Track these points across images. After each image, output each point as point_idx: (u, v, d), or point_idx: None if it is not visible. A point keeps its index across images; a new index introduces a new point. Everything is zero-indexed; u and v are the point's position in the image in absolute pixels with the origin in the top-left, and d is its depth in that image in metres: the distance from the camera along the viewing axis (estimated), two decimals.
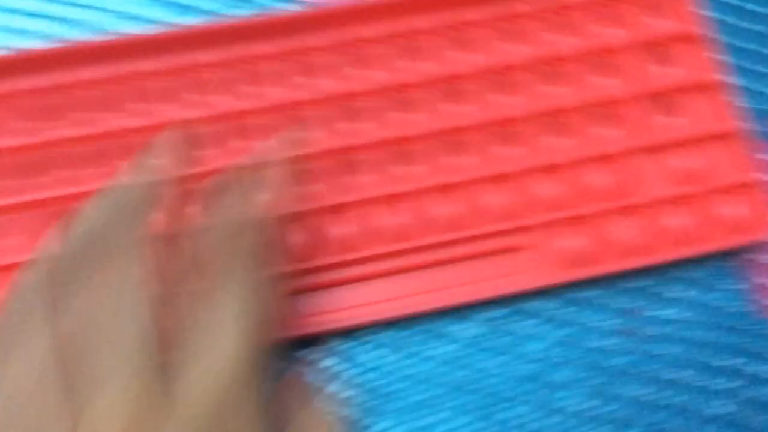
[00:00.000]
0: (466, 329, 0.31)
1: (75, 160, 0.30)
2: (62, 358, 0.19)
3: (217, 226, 0.22)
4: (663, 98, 0.33)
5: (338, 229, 0.30)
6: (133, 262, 0.20)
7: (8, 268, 0.29)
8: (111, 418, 0.18)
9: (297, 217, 0.30)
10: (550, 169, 0.32)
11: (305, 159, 0.30)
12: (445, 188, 0.31)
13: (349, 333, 0.30)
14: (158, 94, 0.31)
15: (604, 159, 0.32)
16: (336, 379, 0.29)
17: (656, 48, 0.33)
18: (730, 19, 0.36)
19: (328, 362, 0.30)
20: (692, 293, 0.32)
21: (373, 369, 0.30)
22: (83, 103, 0.31)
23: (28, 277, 0.21)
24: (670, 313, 0.32)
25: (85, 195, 0.26)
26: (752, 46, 0.36)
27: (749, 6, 0.36)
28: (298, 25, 0.32)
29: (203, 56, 0.31)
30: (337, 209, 0.30)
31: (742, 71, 0.35)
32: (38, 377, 0.19)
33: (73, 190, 0.30)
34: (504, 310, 0.31)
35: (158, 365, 0.20)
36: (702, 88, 0.33)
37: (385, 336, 0.30)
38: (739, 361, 0.31)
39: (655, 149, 0.32)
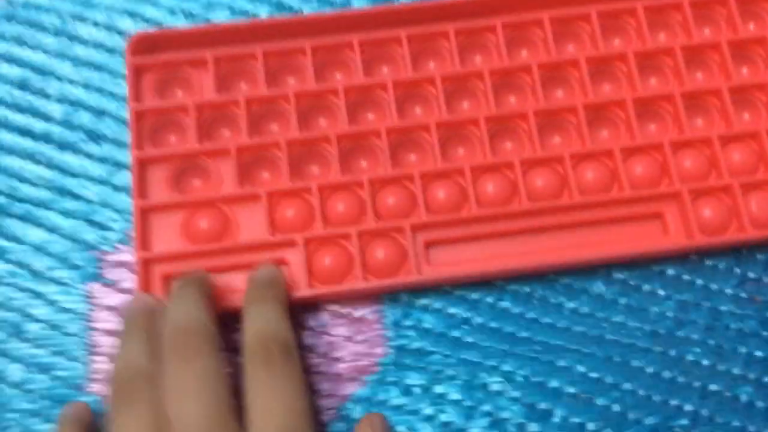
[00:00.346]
0: (598, 287, 0.34)
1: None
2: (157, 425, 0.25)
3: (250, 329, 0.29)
4: None
5: (481, 188, 0.34)
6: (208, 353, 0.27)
7: None
8: None
9: (443, 174, 0.34)
10: (690, 144, 0.35)
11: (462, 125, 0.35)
12: (591, 156, 0.35)
13: (482, 283, 0.34)
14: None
15: (744, 138, 0.35)
16: (464, 324, 0.33)
17: None
18: None
19: (452, 310, 0.34)
20: None
21: (505, 317, 0.34)
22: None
23: (134, 356, 0.28)
24: None
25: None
26: None
27: None
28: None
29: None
30: (484, 170, 0.34)
31: None
32: None
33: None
34: (634, 272, 0.34)
35: None
36: None
37: (524, 288, 0.34)
38: None
39: None
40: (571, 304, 0.34)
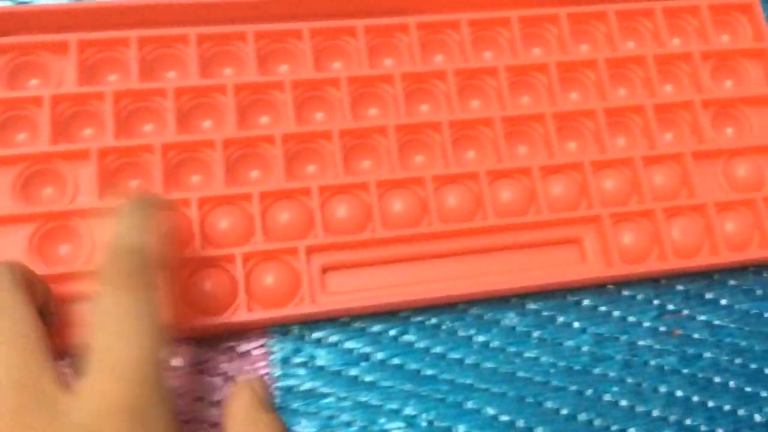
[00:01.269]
0: (510, 319, 0.31)
1: None
2: None
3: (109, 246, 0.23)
4: (729, 108, 0.34)
5: (387, 206, 0.30)
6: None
7: None
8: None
9: (344, 189, 0.30)
10: (610, 164, 0.32)
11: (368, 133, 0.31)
12: (507, 174, 0.31)
13: (385, 314, 0.30)
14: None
15: (665, 160, 0.32)
16: (363, 360, 0.30)
17: (724, 60, 0.34)
18: None
19: (351, 344, 0.30)
20: (739, 300, 0.33)
21: (409, 352, 0.30)
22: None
23: None
24: (714, 317, 0.32)
25: None
26: None
27: None
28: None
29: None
30: (391, 185, 0.31)
31: None
32: None
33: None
34: (549, 302, 0.31)
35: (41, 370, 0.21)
36: (767, 101, 0.34)
37: (430, 319, 0.31)
38: None
39: (716, 155, 0.33)
40: (481, 338, 0.31)
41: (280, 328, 0.29)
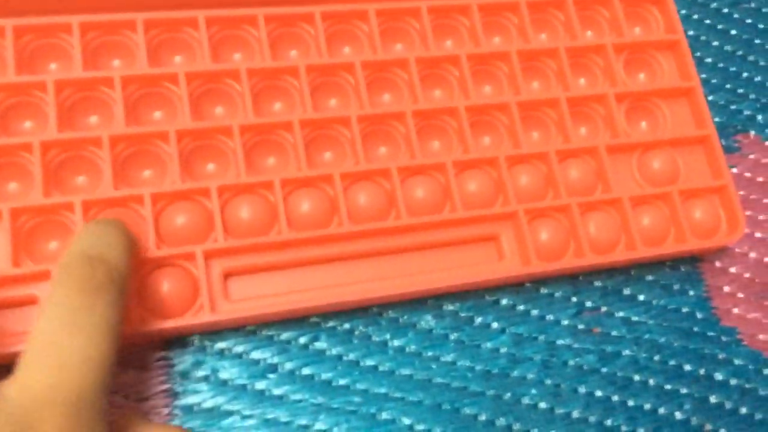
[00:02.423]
0: (427, 321, 0.30)
1: None
2: None
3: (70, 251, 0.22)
4: (643, 101, 0.33)
5: (294, 206, 0.29)
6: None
7: None
8: None
9: (247, 189, 0.28)
10: (525, 159, 0.31)
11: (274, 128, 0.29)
12: (420, 170, 0.30)
13: (294, 320, 0.29)
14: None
15: (580, 154, 0.32)
16: (271, 371, 0.28)
17: (637, 53, 0.34)
18: (703, 36, 0.37)
19: (258, 354, 0.28)
20: (657, 296, 0.32)
21: (321, 360, 0.28)
22: None
23: None
24: (632, 314, 0.32)
25: None
26: (721, 64, 0.37)
27: (721, 26, 0.37)
28: None
29: None
30: (298, 184, 0.29)
31: (710, 86, 0.36)
32: None
33: None
34: (467, 303, 0.30)
35: None
36: (680, 93, 0.34)
37: (343, 324, 0.29)
38: (695, 367, 0.31)
39: (631, 148, 0.33)
40: (396, 342, 0.29)
41: (180, 340, 0.27)
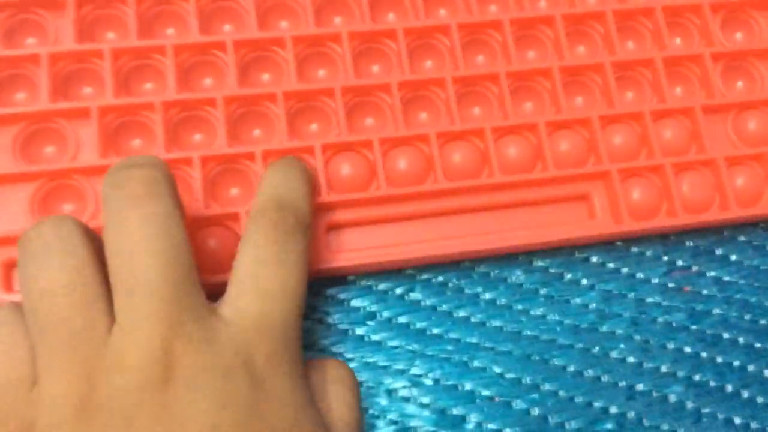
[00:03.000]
0: (517, 276, 0.31)
1: None
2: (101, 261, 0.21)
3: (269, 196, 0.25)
4: (739, 61, 0.33)
5: (392, 163, 0.30)
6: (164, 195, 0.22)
7: None
8: (149, 321, 0.20)
9: (348, 147, 0.29)
10: (619, 119, 0.31)
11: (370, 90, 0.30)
12: (513, 130, 0.31)
13: (391, 272, 0.30)
14: None
15: (675, 114, 0.32)
16: (370, 318, 0.29)
17: (735, 12, 0.34)
18: None
19: (358, 302, 0.30)
20: (749, 256, 0.32)
21: (416, 310, 0.30)
22: None
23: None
24: (723, 273, 0.32)
25: None
26: None
27: None
28: None
29: None
30: (396, 143, 0.30)
31: None
32: (78, 274, 0.20)
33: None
34: (557, 259, 0.31)
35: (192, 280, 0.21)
36: None
37: (437, 277, 0.30)
38: None
39: (726, 109, 0.33)
40: (488, 295, 0.30)
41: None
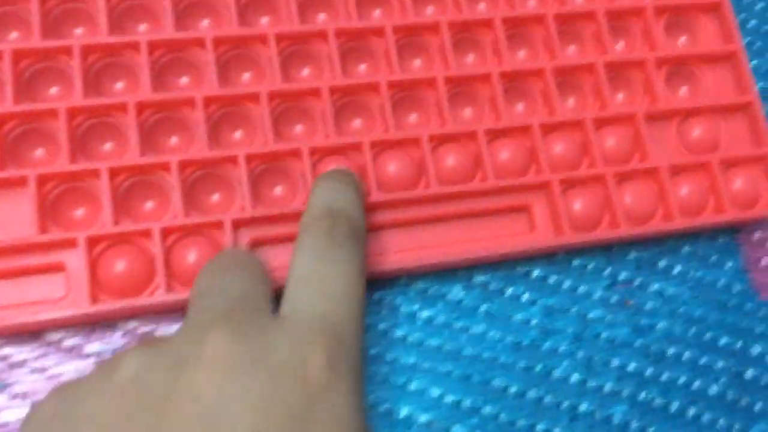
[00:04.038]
0: (457, 292, 0.29)
1: None
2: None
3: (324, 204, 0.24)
4: (683, 66, 0.32)
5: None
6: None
7: None
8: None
9: (275, 156, 0.28)
10: (560, 127, 0.30)
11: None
12: (451, 138, 0.29)
13: None
14: None
15: (617, 121, 0.31)
16: None
17: (678, 15, 0.33)
18: None
19: None
20: (693, 267, 0.31)
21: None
22: None
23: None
24: (667, 286, 0.31)
25: None
26: (765, 27, 0.35)
27: None
28: None
29: None
30: (331, 151, 0.28)
31: (753, 51, 0.35)
32: None
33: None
34: (498, 274, 0.30)
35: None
36: (723, 58, 0.33)
37: (372, 294, 0.29)
38: (731, 340, 0.30)
39: (670, 115, 0.32)
40: (426, 313, 0.29)
41: None
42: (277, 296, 0.22)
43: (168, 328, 0.26)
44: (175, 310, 0.26)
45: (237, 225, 0.26)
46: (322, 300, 0.21)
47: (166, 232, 0.26)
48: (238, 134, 0.28)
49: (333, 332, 0.20)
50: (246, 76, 0.29)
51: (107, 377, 0.18)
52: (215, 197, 0.27)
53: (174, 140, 0.28)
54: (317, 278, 0.21)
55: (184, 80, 0.28)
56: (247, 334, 0.19)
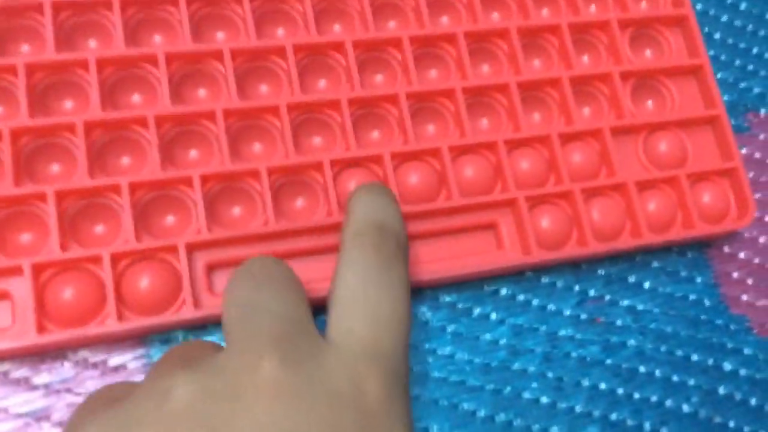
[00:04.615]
0: (423, 313, 0.28)
1: None
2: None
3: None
4: (649, 79, 0.32)
5: (283, 200, 0.27)
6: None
7: None
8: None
9: (232, 177, 0.27)
10: (526, 143, 0.30)
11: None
12: (415, 156, 0.28)
13: None
14: None
15: (584, 136, 0.30)
16: None
17: (643, 29, 0.32)
18: (712, 11, 0.35)
19: None
20: (663, 283, 0.31)
21: None
22: None
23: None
24: (637, 302, 0.30)
25: None
26: (731, 40, 0.35)
27: (730, 0, 0.36)
28: None
29: None
30: (286, 171, 0.27)
31: (719, 64, 0.35)
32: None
33: None
34: (465, 293, 0.29)
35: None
36: (688, 71, 0.32)
37: None
38: (703, 357, 0.30)
39: (637, 130, 0.31)
40: None
41: (161, 336, 0.26)
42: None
43: (120, 357, 0.25)
44: (127, 338, 0.25)
45: (191, 248, 0.25)
46: (374, 325, 0.20)
47: (116, 258, 0.24)
48: (193, 153, 0.27)
49: (386, 359, 0.19)
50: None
51: (157, 406, 0.17)
52: (169, 219, 0.26)
53: (126, 161, 0.27)
54: (367, 301, 0.20)
55: (136, 98, 0.27)
56: (301, 362, 0.18)
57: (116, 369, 0.25)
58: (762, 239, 0.33)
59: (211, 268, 0.26)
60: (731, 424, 0.29)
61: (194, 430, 0.16)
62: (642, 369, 0.29)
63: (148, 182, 0.25)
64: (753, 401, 0.30)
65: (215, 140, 0.27)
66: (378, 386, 0.18)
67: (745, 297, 0.31)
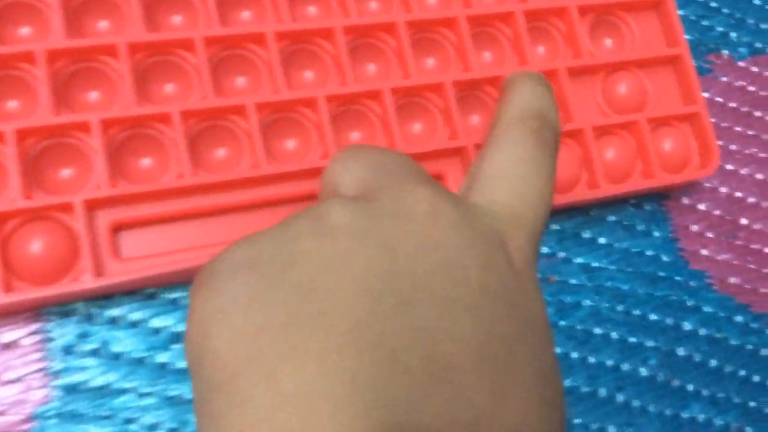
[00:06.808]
0: None
1: None
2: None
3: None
4: (608, 15, 0.29)
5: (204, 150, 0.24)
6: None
7: None
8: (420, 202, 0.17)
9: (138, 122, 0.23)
10: (476, 85, 0.27)
11: None
12: (350, 99, 0.25)
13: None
14: None
15: None
16: (175, 341, 0.23)
17: None
18: None
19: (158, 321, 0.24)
20: (619, 238, 0.29)
21: None
22: None
23: None
24: (591, 259, 0.28)
25: None
26: None
27: None
28: None
29: None
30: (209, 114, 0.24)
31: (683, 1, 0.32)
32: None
33: None
34: None
35: None
36: (649, 5, 0.30)
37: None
38: (662, 316, 0.28)
39: (595, 70, 0.28)
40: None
41: (59, 308, 0.22)
42: None
43: (12, 333, 0.22)
44: (19, 312, 0.22)
45: (91, 206, 0.22)
46: (520, 201, 0.19)
47: (2, 218, 0.21)
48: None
49: (524, 233, 0.19)
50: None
51: (317, 222, 0.16)
52: (66, 172, 0.22)
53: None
54: (516, 177, 0.20)
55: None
56: (453, 201, 0.18)
57: (8, 346, 0.22)
58: (723, 189, 0.31)
59: (116, 229, 0.22)
60: (690, 387, 0.28)
61: (362, 240, 0.16)
62: (597, 331, 0.27)
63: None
64: (713, 363, 0.28)
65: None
66: (522, 247, 0.18)
67: (704, 251, 0.30)
